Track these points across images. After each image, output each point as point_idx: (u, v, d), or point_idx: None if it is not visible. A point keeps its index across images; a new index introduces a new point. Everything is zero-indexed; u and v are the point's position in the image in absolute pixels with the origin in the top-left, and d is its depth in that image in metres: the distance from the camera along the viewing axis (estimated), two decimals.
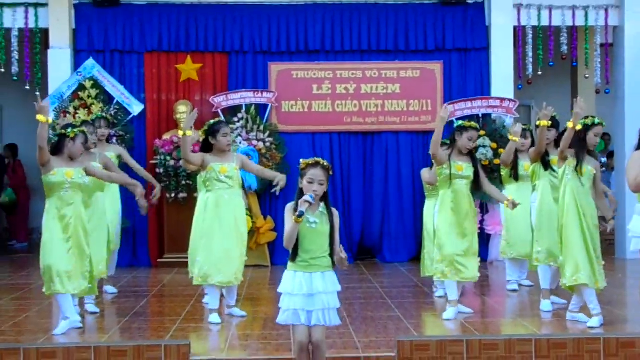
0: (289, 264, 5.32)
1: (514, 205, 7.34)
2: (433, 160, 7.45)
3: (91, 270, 6.97)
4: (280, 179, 7.27)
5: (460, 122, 7.55)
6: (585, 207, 6.84)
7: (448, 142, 7.73)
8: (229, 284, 7.34)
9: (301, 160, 5.38)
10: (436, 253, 7.40)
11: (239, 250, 7.39)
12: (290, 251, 5.28)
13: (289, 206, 5.22)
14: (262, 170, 8.15)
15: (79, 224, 6.85)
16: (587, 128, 6.90)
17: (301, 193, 5.19)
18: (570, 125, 6.73)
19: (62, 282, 6.69)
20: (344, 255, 5.25)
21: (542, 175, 7.77)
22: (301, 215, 5.07)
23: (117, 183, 8.18)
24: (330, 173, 5.36)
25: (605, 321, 6.94)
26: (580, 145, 6.86)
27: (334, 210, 5.37)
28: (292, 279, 5.28)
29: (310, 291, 5.22)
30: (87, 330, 6.88)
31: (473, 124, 7.44)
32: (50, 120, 6.69)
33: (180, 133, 7.12)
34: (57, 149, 6.91)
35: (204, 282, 7.30)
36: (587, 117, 6.98)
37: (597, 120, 6.95)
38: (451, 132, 7.63)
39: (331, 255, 5.31)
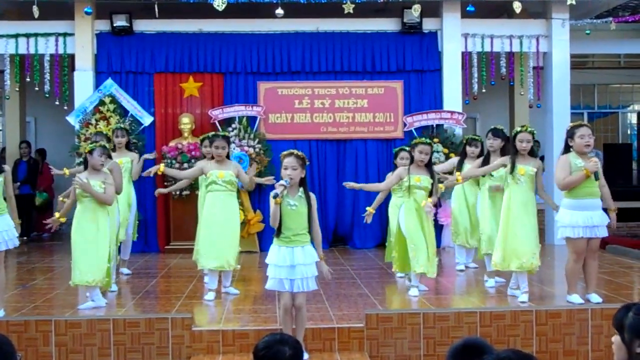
0: (275, 239, 5.42)
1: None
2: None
3: (108, 264, 6.80)
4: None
5: (414, 140, 7.51)
6: (525, 201, 6.81)
7: (407, 148, 7.69)
8: (221, 269, 7.32)
9: (281, 153, 5.52)
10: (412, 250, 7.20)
11: (232, 240, 7.36)
12: (275, 229, 5.36)
13: (272, 192, 5.30)
14: (253, 179, 7.94)
15: (98, 226, 6.72)
16: (514, 136, 6.92)
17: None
18: (458, 176, 7.51)
19: (81, 274, 6.64)
20: (324, 269, 5.45)
21: (483, 180, 7.80)
22: (276, 196, 5.17)
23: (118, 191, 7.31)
24: (307, 162, 5.46)
25: (537, 296, 7.01)
26: (513, 151, 6.90)
27: (311, 194, 5.45)
28: (277, 253, 5.37)
29: (292, 263, 5.31)
30: (106, 305, 6.84)
31: (423, 139, 7.40)
32: None
33: None
34: (85, 165, 6.91)
35: (202, 266, 7.37)
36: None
37: (518, 129, 6.95)
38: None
39: (310, 232, 5.41)
